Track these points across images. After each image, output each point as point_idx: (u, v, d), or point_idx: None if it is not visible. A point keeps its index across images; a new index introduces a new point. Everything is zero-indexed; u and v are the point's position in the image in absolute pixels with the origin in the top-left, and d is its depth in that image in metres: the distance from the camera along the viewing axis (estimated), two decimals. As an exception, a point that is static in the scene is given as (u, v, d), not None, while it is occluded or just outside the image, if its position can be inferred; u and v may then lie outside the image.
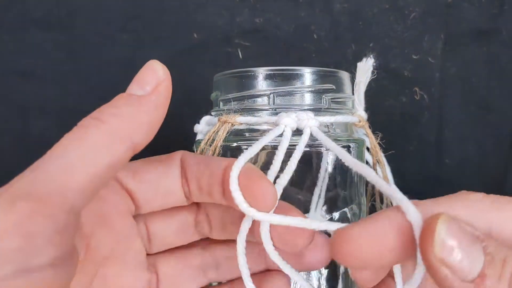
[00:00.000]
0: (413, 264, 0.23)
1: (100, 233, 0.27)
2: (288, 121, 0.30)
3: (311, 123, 0.30)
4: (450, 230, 0.21)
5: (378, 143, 0.36)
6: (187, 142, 0.44)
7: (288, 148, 0.29)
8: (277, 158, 0.29)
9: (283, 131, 0.30)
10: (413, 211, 0.23)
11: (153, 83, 0.26)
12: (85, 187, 0.22)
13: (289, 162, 0.28)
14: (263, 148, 0.30)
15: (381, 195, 0.39)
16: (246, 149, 0.29)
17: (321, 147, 0.33)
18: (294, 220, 0.26)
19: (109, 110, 0.24)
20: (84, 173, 0.22)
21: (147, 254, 0.30)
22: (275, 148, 0.30)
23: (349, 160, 0.27)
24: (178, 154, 0.30)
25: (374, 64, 0.37)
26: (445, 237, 0.21)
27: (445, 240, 0.21)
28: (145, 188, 0.29)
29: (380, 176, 0.38)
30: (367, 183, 0.39)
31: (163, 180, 0.29)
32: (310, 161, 0.34)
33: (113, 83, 0.49)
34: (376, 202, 0.39)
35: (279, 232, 0.27)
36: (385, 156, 0.47)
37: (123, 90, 0.49)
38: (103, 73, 0.49)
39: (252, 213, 0.26)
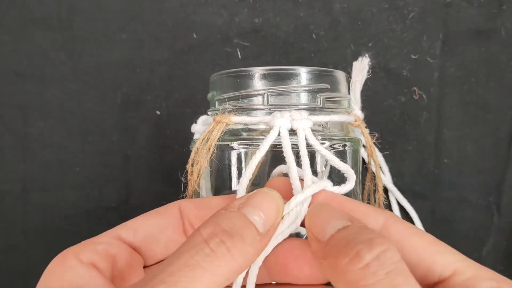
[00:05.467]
0: None
1: None
2: (282, 121, 0.30)
3: (304, 123, 0.30)
4: None
5: (374, 143, 0.36)
6: (187, 141, 0.44)
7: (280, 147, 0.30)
8: (289, 158, 0.29)
9: (279, 132, 0.30)
10: None
11: (271, 223, 0.26)
12: None
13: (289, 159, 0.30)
14: (257, 148, 0.31)
15: (375, 194, 0.39)
16: (241, 147, 0.29)
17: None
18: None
19: (236, 241, 0.24)
20: None
21: None
22: (272, 148, 0.31)
23: (342, 167, 0.30)
24: (176, 205, 0.31)
25: (370, 63, 0.37)
26: None
27: None
28: (146, 244, 0.30)
29: (377, 176, 0.38)
30: (363, 182, 0.39)
31: (163, 233, 0.30)
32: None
33: (112, 83, 0.49)
34: (370, 201, 0.39)
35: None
36: (383, 156, 0.47)
37: (123, 90, 0.49)
38: (103, 73, 0.49)
39: None
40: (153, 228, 0.30)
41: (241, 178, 0.29)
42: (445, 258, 0.25)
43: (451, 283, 0.25)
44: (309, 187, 0.28)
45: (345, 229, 0.24)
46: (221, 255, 0.23)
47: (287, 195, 0.29)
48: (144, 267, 0.31)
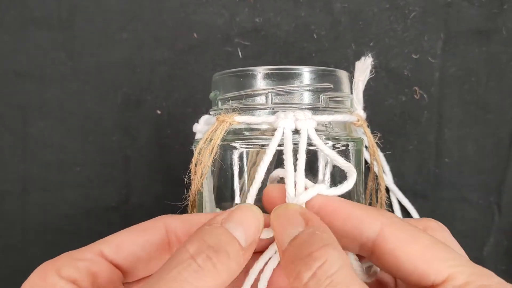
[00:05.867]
0: None
1: None
2: (286, 123, 0.30)
3: (308, 123, 0.30)
4: None
5: (376, 142, 0.36)
6: (187, 141, 0.44)
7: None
8: (288, 161, 0.29)
9: (283, 132, 0.30)
10: None
11: (252, 238, 0.27)
12: None
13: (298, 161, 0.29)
14: (256, 148, 0.31)
15: (377, 194, 0.39)
16: (243, 147, 0.29)
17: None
18: None
19: (222, 257, 0.24)
20: None
21: None
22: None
23: (345, 166, 0.30)
24: (161, 221, 0.30)
25: (373, 63, 0.36)
26: None
27: None
28: (129, 263, 0.29)
29: (379, 176, 0.38)
30: (366, 181, 0.39)
31: (147, 251, 0.30)
32: (310, 160, 0.34)
33: (113, 83, 0.49)
34: (372, 201, 0.39)
35: None
36: (384, 156, 0.47)
37: (123, 90, 0.49)
38: (103, 73, 0.49)
39: None
40: (136, 246, 0.30)
41: (251, 187, 0.29)
42: (439, 264, 0.25)
43: None
44: (301, 194, 0.28)
45: (296, 239, 0.25)
46: (207, 271, 0.24)
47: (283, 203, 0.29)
48: (124, 283, 0.30)
